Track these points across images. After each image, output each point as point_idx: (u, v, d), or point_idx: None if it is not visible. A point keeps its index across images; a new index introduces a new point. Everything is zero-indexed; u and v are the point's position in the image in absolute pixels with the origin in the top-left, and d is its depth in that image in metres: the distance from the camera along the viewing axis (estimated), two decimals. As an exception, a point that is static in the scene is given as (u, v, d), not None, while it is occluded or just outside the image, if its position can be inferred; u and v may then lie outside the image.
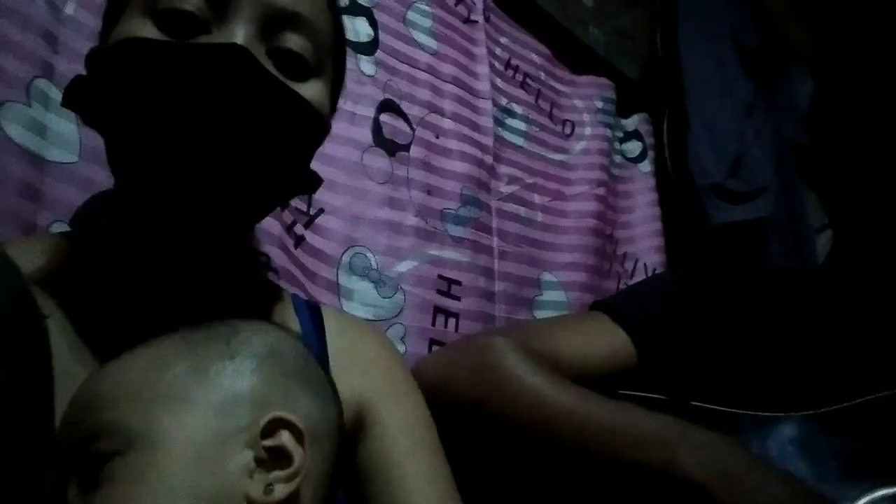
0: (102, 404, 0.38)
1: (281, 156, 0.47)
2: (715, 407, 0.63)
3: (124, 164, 0.46)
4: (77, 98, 0.47)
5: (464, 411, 0.63)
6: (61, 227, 0.60)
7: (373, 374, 0.56)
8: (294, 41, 0.48)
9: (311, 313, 0.59)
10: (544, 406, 0.60)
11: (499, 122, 1.03)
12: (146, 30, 0.44)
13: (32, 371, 0.30)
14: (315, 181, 0.54)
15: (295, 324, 0.58)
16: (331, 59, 0.52)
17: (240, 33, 0.45)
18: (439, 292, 0.87)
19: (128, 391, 0.38)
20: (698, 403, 0.64)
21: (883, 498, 0.56)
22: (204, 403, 0.38)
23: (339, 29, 0.55)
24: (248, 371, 0.41)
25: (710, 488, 0.53)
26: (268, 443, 0.38)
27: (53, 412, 0.33)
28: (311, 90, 0.49)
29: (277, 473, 0.38)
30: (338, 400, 0.45)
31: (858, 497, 0.56)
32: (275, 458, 0.38)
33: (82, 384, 0.40)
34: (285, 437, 0.38)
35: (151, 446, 0.36)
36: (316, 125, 0.50)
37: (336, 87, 0.55)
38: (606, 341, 0.68)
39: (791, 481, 0.54)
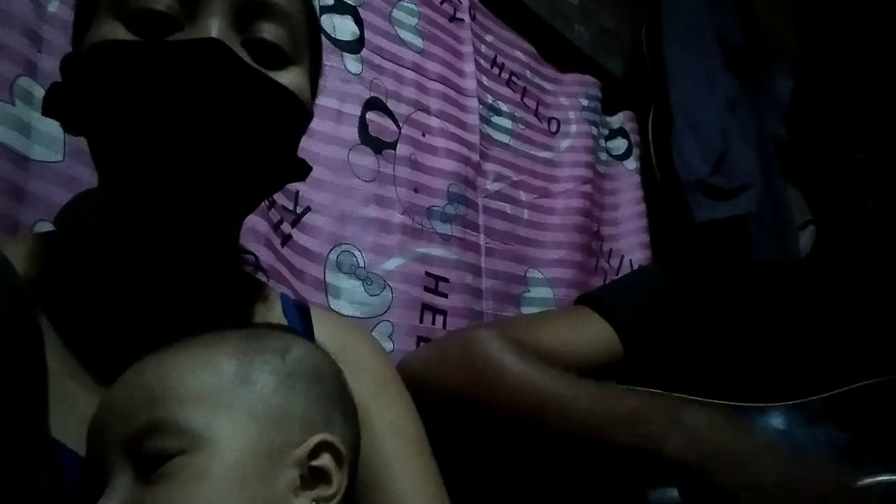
0: (160, 400, 0.38)
1: (265, 145, 0.47)
2: (701, 399, 0.64)
3: (110, 166, 0.46)
4: (56, 105, 0.47)
5: (451, 404, 0.64)
6: (46, 227, 0.60)
7: (362, 376, 0.55)
8: (268, 30, 0.47)
9: (300, 314, 0.59)
10: (530, 392, 0.60)
11: (485, 120, 1.04)
12: (118, 32, 0.44)
13: (29, 369, 0.30)
14: (303, 169, 0.54)
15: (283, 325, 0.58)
16: (307, 44, 0.52)
17: (213, 27, 0.45)
18: (427, 289, 0.87)
19: (188, 392, 0.39)
20: (684, 396, 0.64)
21: (868, 486, 0.56)
22: (263, 417, 0.40)
23: (312, 13, 0.54)
24: (301, 390, 0.42)
25: (699, 468, 0.52)
26: (312, 463, 0.40)
27: (48, 410, 0.33)
28: (290, 77, 0.49)
29: (321, 493, 0.39)
30: (357, 420, 0.47)
31: None
32: (314, 478, 0.40)
33: (128, 376, 0.40)
34: (327, 459, 0.40)
35: (216, 451, 0.37)
36: (298, 112, 0.50)
37: (314, 72, 0.55)
38: (591, 334, 0.69)
39: (787, 457, 0.53)
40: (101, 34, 0.45)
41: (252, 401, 0.40)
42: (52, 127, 0.62)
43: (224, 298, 0.54)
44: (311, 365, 0.44)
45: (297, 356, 0.44)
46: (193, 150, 0.43)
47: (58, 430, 0.39)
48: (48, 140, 0.62)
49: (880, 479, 0.55)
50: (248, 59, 0.46)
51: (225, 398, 0.39)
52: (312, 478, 0.39)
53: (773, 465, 0.52)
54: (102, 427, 0.39)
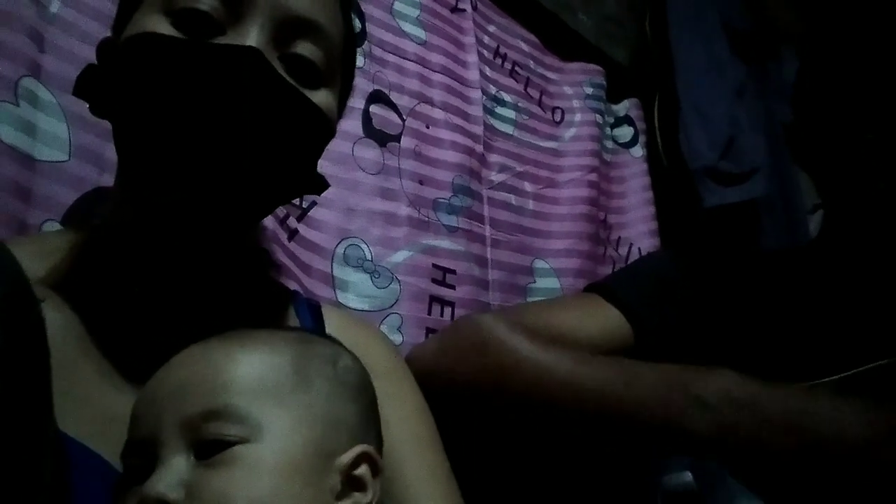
0: (224, 388, 0.40)
1: (289, 158, 0.48)
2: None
3: (133, 156, 0.47)
4: (88, 87, 0.47)
5: (464, 393, 0.63)
6: (53, 226, 0.60)
7: (375, 375, 0.56)
8: (306, 48, 0.48)
9: (311, 312, 0.60)
10: (541, 373, 0.59)
11: (488, 111, 1.04)
12: (163, 26, 0.45)
13: (28, 360, 0.30)
14: (321, 184, 0.54)
15: (296, 323, 0.58)
16: (341, 66, 0.53)
17: (253, 36, 0.46)
18: (434, 281, 0.87)
19: (252, 384, 0.40)
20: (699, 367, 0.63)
21: None
22: (319, 420, 0.41)
23: (351, 36, 0.55)
24: (350, 399, 0.44)
25: (729, 417, 0.52)
26: (353, 472, 0.41)
27: (51, 395, 0.33)
28: (321, 97, 0.49)
29: (357, 501, 0.41)
30: (381, 428, 0.48)
31: None
32: (350, 486, 0.41)
33: (189, 358, 0.42)
34: (365, 469, 0.42)
35: (276, 445, 0.39)
36: (325, 130, 0.51)
37: (344, 94, 0.55)
38: (602, 322, 0.68)
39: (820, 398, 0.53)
40: (146, 26, 0.45)
41: (311, 403, 0.41)
42: (58, 127, 0.63)
43: (238, 295, 0.54)
44: (357, 375, 0.46)
45: (345, 365, 0.45)
46: (218, 152, 0.44)
47: (69, 423, 0.39)
48: (53, 140, 0.62)
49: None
50: (282, 73, 0.47)
51: (287, 397, 0.41)
52: (349, 485, 0.41)
53: (792, 402, 0.51)
54: (158, 404, 0.40)
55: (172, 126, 0.43)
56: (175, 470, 0.37)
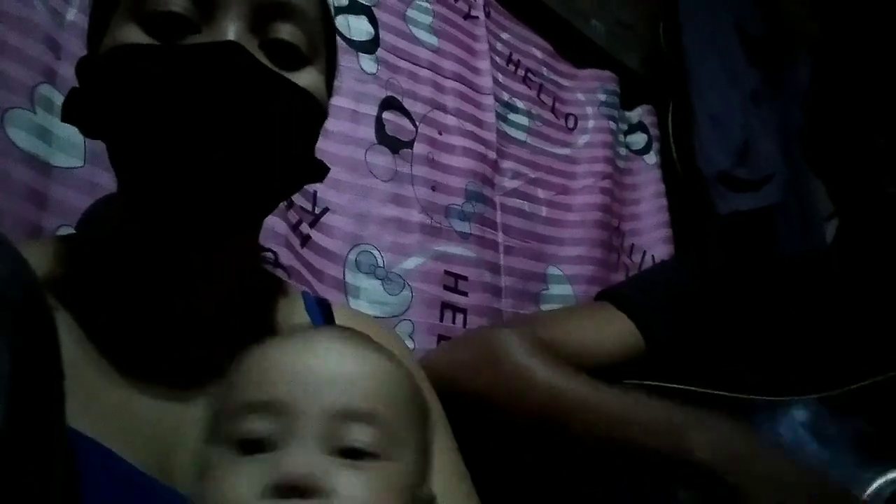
0: (360, 393, 0.40)
1: (285, 147, 0.48)
2: (725, 393, 0.63)
3: (129, 171, 0.46)
4: (76, 111, 0.47)
5: (476, 405, 0.63)
6: (68, 232, 0.60)
7: None
8: (285, 31, 0.47)
9: (322, 311, 0.60)
10: (554, 397, 0.60)
11: (501, 118, 1.03)
12: (136, 35, 0.44)
13: (42, 361, 0.31)
14: (321, 170, 0.54)
15: (306, 321, 0.58)
16: (323, 43, 0.52)
17: (230, 29, 0.45)
18: (446, 288, 0.87)
19: (386, 396, 0.41)
20: (708, 391, 0.63)
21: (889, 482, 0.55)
22: (424, 450, 0.43)
23: (328, 12, 0.54)
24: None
25: (721, 471, 0.53)
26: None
27: (64, 402, 0.33)
28: (308, 78, 0.49)
29: None
30: None
31: (872, 479, 0.55)
32: None
33: (333, 351, 0.42)
34: None
35: (405, 469, 0.40)
36: (315, 112, 0.50)
37: (330, 71, 0.55)
38: (614, 330, 0.68)
39: (800, 463, 0.54)
40: (119, 38, 0.45)
41: (420, 429, 0.43)
42: (73, 133, 0.62)
43: (247, 297, 0.54)
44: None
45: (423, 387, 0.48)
46: (212, 154, 0.43)
47: (78, 420, 0.39)
48: (69, 146, 0.62)
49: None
50: (265, 61, 0.46)
51: (415, 418, 0.43)
52: None
53: (788, 471, 0.53)
54: (303, 387, 0.39)
55: (162, 135, 0.43)
56: (315, 458, 0.36)
